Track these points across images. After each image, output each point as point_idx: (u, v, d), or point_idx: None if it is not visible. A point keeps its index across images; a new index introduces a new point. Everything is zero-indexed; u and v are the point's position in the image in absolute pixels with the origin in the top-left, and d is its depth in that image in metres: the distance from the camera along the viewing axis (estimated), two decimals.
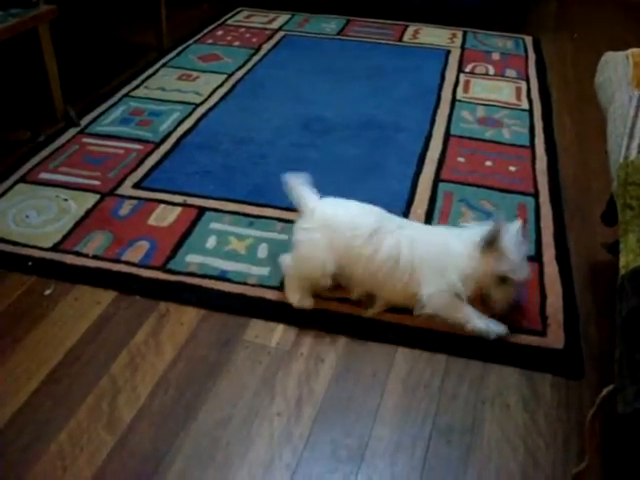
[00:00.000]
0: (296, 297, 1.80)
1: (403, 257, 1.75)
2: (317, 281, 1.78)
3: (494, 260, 1.71)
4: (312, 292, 1.81)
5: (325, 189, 2.28)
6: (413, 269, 1.75)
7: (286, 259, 1.86)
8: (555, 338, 1.75)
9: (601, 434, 1.21)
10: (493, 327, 1.72)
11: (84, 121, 2.73)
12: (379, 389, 1.60)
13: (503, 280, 1.73)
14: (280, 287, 1.87)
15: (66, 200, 2.22)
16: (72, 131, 2.65)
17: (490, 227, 1.69)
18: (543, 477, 1.41)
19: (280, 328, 1.77)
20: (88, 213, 2.16)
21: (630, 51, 1.85)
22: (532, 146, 2.65)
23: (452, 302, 1.74)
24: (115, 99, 2.91)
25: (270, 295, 1.85)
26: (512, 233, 1.73)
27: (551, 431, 1.52)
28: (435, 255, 1.77)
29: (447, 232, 1.87)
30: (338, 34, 3.74)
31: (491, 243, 1.70)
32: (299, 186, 1.83)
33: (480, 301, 1.77)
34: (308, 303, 1.80)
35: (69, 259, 1.96)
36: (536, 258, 2.01)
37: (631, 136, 1.53)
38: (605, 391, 1.11)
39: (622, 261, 1.26)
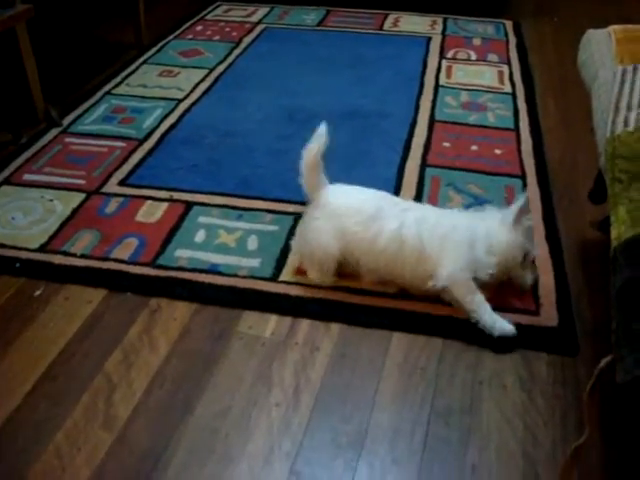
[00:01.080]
0: (317, 275, 1.83)
1: (410, 238, 1.75)
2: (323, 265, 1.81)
3: (522, 235, 1.76)
4: (334, 271, 1.83)
5: None
6: (423, 247, 1.74)
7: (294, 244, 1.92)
8: (548, 317, 1.75)
9: (599, 407, 1.21)
10: (499, 324, 1.68)
11: (66, 121, 2.71)
12: (376, 375, 1.60)
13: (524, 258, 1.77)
14: (272, 278, 1.86)
15: (51, 200, 2.20)
16: (54, 131, 2.63)
17: (520, 202, 1.76)
18: (543, 454, 1.41)
19: (274, 318, 1.76)
20: (74, 212, 2.14)
21: (612, 28, 1.85)
22: (517, 129, 2.65)
23: (468, 284, 1.72)
24: (96, 98, 2.89)
25: (262, 286, 1.84)
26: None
27: (549, 408, 1.52)
28: (457, 232, 1.76)
29: (461, 214, 1.88)
30: (318, 25, 3.73)
31: (520, 217, 1.75)
32: (314, 168, 1.80)
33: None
34: (329, 280, 1.83)
35: (57, 259, 1.94)
36: None
37: (616, 111, 1.53)
38: (603, 362, 1.11)
39: (613, 234, 1.26)
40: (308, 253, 1.84)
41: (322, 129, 1.77)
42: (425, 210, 1.87)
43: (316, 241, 1.80)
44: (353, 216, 1.78)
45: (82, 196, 2.22)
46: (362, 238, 1.77)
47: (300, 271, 1.88)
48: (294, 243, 1.94)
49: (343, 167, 2.36)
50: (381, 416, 1.50)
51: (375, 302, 1.79)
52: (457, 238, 1.75)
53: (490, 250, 1.75)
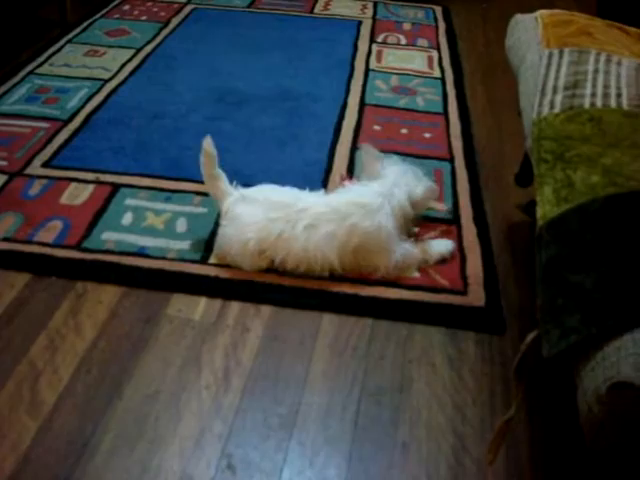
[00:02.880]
0: (247, 262, 1.80)
1: (322, 253, 1.77)
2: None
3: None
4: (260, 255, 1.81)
5: (243, 161, 2.27)
6: (345, 254, 1.78)
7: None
8: (476, 296, 1.78)
9: (525, 383, 1.23)
10: (442, 247, 1.89)
11: None
12: (307, 355, 1.60)
13: None
14: (202, 261, 1.84)
15: None
16: None
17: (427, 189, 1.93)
18: (472, 431, 1.44)
19: (203, 301, 1.75)
20: None
21: (539, 12, 1.89)
22: (446, 113, 2.68)
23: (409, 258, 1.83)
24: (18, 77, 2.78)
25: (191, 269, 1.82)
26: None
27: (477, 386, 1.55)
28: (378, 232, 1.78)
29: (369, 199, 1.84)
30: (249, 6, 3.67)
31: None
32: (214, 175, 1.84)
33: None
34: (264, 263, 1.81)
35: None
36: (454, 221, 2.04)
37: (543, 93, 1.56)
38: (529, 338, 1.13)
39: (539, 212, 1.28)
40: (230, 251, 1.81)
41: (207, 143, 1.81)
42: (324, 215, 1.79)
43: (234, 238, 1.79)
44: (259, 232, 1.76)
45: (4, 178, 2.15)
46: (274, 253, 1.79)
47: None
48: (216, 248, 1.88)
49: (273, 149, 2.36)
50: (312, 397, 1.51)
51: (305, 284, 1.79)
52: (374, 240, 1.78)
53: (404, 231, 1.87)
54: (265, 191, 1.86)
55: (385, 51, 3.21)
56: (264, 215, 1.78)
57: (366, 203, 1.80)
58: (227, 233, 1.81)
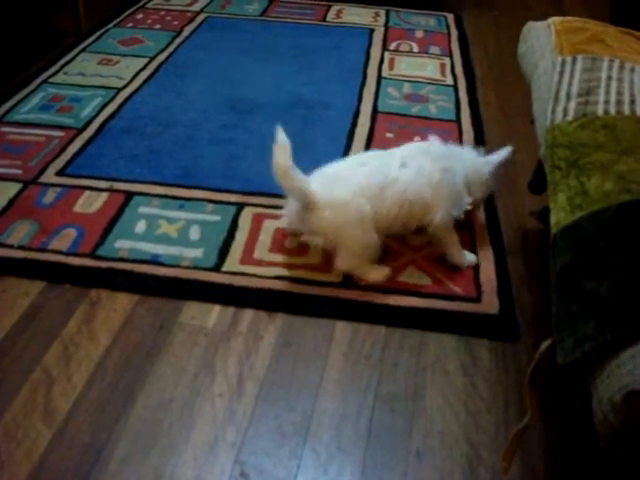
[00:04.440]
0: (371, 273, 1.83)
1: (417, 189, 1.82)
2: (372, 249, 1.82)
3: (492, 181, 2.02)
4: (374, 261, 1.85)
5: (256, 169, 2.28)
6: (425, 198, 1.83)
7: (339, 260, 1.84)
8: (490, 304, 1.78)
9: (539, 391, 1.23)
10: (468, 258, 1.90)
11: (1, 110, 2.62)
12: (320, 363, 1.60)
13: None
14: (215, 268, 1.84)
15: None
16: None
17: (504, 155, 2.02)
18: (486, 438, 1.44)
19: (216, 309, 1.75)
20: (11, 203, 2.08)
21: (551, 20, 1.89)
22: (458, 120, 2.68)
23: (450, 226, 1.88)
24: (33, 86, 2.81)
25: (205, 276, 1.82)
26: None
27: (491, 394, 1.54)
28: (446, 177, 1.85)
29: (441, 153, 1.94)
30: (261, 15, 3.69)
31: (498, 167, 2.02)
32: (291, 167, 1.73)
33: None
34: (385, 272, 1.84)
35: None
36: (468, 227, 2.04)
37: (556, 101, 1.56)
38: (543, 346, 1.13)
39: (553, 220, 1.28)
40: (355, 252, 1.81)
41: (281, 137, 1.73)
42: (417, 158, 1.87)
43: (356, 234, 1.78)
44: (365, 191, 1.78)
45: (19, 186, 2.16)
46: (379, 212, 1.79)
47: (244, 261, 1.87)
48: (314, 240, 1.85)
49: None
50: (326, 404, 1.51)
51: (318, 291, 1.79)
52: (446, 182, 1.84)
53: (468, 191, 1.93)
54: (341, 164, 1.93)
55: (397, 59, 3.22)
56: (362, 176, 1.81)
57: (439, 149, 1.97)
58: (335, 220, 1.76)
